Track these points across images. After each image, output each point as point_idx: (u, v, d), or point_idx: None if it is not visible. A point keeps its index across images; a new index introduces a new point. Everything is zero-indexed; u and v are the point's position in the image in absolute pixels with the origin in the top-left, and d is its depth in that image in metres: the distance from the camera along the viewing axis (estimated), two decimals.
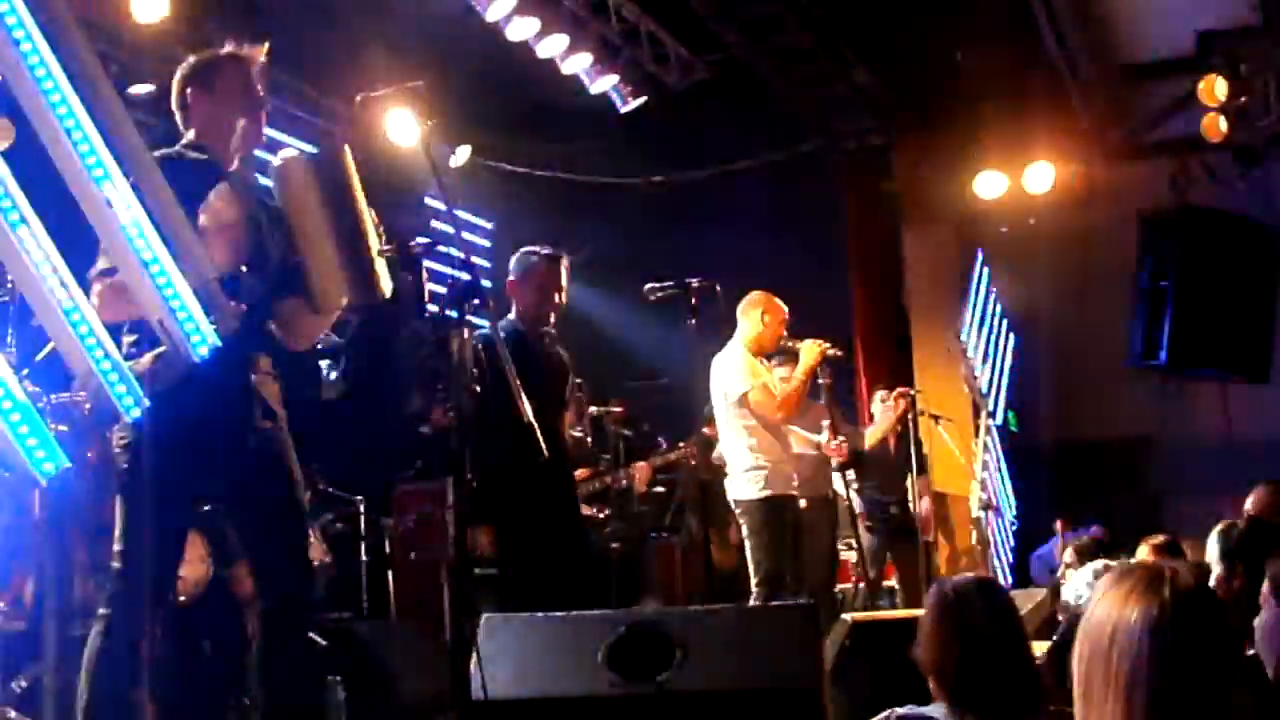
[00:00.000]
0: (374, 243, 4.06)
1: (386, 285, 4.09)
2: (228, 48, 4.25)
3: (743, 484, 7.12)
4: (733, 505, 7.21)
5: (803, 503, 7.32)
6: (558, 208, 11.26)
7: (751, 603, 6.81)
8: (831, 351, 7.30)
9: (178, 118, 4.21)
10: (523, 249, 6.23)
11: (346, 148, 4.11)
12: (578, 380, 7.89)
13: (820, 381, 7.42)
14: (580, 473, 8.02)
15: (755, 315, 7.29)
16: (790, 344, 7.27)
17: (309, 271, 3.96)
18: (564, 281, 6.11)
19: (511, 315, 6.08)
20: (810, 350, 7.18)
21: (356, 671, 6.83)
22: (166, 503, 3.81)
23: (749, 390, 7.10)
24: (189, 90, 4.17)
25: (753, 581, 6.98)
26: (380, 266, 4.06)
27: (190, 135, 4.14)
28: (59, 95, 3.45)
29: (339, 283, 4.01)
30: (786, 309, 7.35)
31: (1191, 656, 2.04)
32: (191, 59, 4.26)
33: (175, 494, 3.86)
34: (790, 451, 7.34)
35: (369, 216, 4.07)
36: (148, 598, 3.89)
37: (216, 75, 4.17)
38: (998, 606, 3.13)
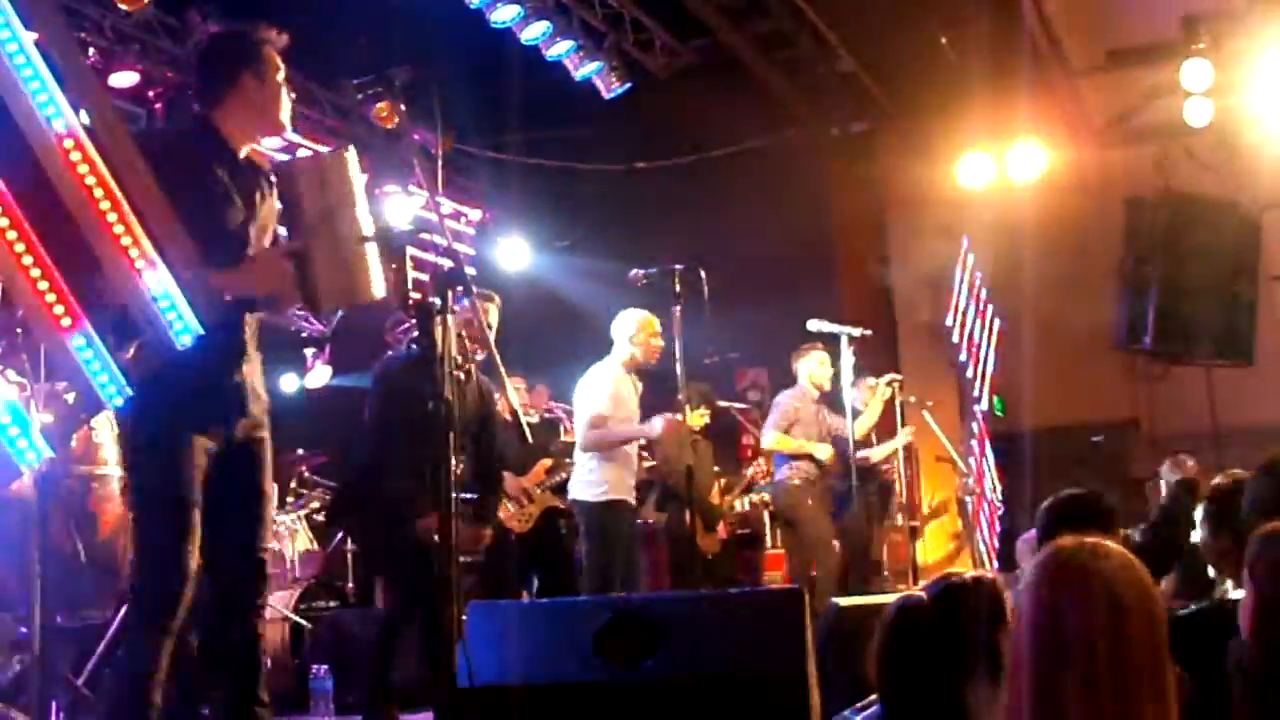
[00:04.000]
0: (372, 247, 4.01)
1: (380, 288, 4.06)
2: (254, 29, 4.09)
3: None
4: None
5: None
6: (542, 194, 11.26)
7: None
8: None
9: (195, 92, 4.09)
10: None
11: (352, 149, 4.05)
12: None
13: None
14: (546, 462, 8.03)
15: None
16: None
17: (308, 272, 3.91)
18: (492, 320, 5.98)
19: None
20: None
21: (343, 659, 6.84)
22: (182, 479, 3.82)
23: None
24: (206, 68, 4.07)
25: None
26: (376, 270, 4.03)
27: (198, 109, 4.06)
28: (38, 82, 3.43)
29: (335, 284, 3.99)
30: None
31: (1118, 630, 2.03)
32: (212, 32, 4.08)
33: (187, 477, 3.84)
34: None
35: (368, 220, 4.02)
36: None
37: (244, 59, 4.01)
38: (919, 638, 3.08)
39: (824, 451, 8.69)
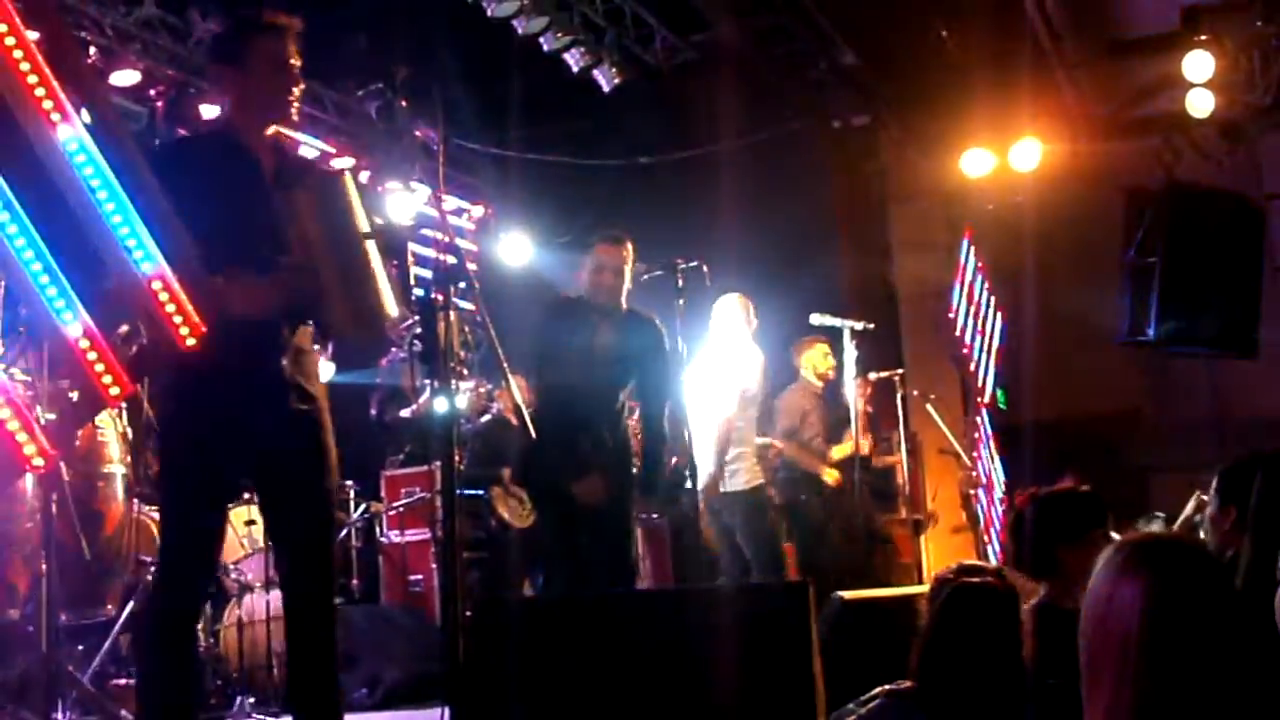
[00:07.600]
0: (379, 271, 3.99)
1: (392, 310, 4.03)
2: (241, 23, 4.06)
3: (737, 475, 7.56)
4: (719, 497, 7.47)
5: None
6: (543, 189, 11.25)
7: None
8: None
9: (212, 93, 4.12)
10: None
11: (348, 175, 4.03)
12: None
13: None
14: None
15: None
16: None
17: (324, 302, 3.90)
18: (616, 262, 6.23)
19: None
20: None
21: (348, 655, 6.84)
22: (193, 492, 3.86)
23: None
24: (215, 64, 4.07)
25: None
26: (386, 293, 3.99)
27: (219, 111, 4.07)
28: (38, 80, 3.43)
29: (345, 313, 3.96)
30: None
31: (1183, 630, 2.03)
32: (217, 30, 4.09)
33: (200, 484, 3.87)
34: None
35: (370, 243, 3.98)
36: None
37: (245, 47, 3.97)
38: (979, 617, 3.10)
39: (830, 476, 8.77)
